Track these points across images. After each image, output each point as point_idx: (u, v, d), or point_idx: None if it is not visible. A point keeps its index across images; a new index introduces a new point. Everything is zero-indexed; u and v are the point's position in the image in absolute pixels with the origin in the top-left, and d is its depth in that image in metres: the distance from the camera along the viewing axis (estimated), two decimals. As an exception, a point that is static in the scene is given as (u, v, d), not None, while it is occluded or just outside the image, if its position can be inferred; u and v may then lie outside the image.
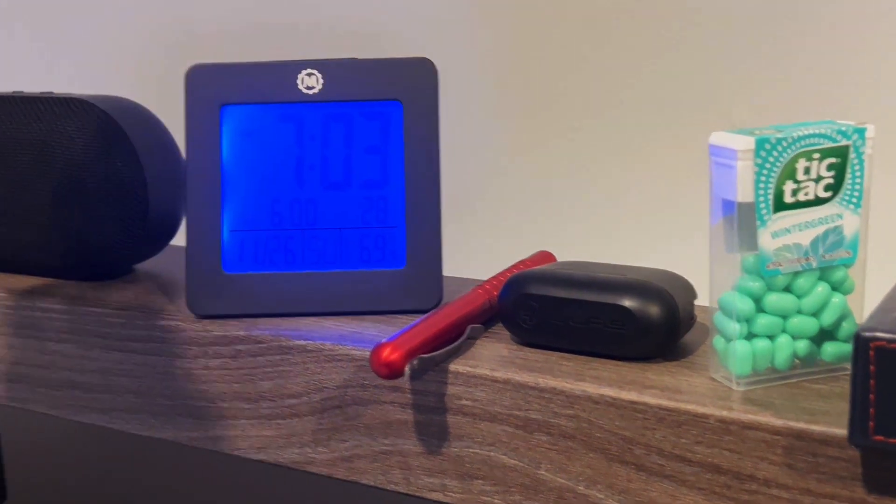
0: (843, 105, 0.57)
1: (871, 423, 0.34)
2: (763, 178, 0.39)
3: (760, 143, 0.38)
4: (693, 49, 0.62)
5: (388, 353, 0.42)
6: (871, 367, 0.34)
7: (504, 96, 0.68)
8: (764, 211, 0.39)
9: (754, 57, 0.60)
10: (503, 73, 0.68)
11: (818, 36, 0.59)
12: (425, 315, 0.46)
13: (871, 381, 0.34)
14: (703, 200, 0.61)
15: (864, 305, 0.42)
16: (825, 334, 0.41)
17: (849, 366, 0.41)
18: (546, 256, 0.55)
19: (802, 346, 0.41)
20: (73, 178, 0.57)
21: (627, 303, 0.43)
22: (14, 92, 0.60)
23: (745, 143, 0.38)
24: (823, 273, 0.41)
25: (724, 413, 0.39)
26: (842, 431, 0.37)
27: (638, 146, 0.63)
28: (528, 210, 0.67)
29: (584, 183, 0.65)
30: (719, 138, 0.39)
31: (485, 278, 0.53)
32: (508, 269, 0.52)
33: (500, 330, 0.48)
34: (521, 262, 0.54)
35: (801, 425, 0.37)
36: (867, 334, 0.34)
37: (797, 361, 0.41)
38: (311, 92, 0.52)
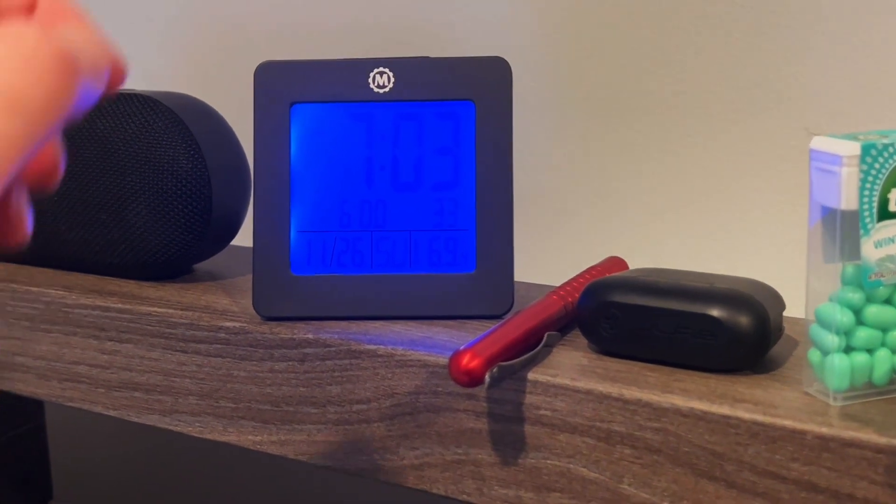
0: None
1: None
2: (868, 186, 0.37)
3: (866, 149, 0.37)
4: (768, 50, 0.60)
5: (467, 361, 0.41)
6: None
7: (576, 97, 0.66)
8: (868, 219, 0.37)
9: (832, 58, 0.59)
10: (575, 74, 0.67)
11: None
12: (501, 321, 0.45)
13: None
14: (784, 205, 0.59)
15: (966, 319, 0.40)
16: (925, 349, 0.40)
17: (950, 382, 0.40)
18: (618, 263, 0.53)
19: (902, 360, 0.39)
20: (136, 175, 0.56)
21: (717, 312, 0.42)
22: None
23: (851, 148, 0.37)
24: (925, 285, 0.39)
25: (824, 430, 0.37)
26: (952, 451, 0.35)
27: (713, 149, 0.61)
28: (596, 214, 0.65)
29: (655, 186, 0.64)
30: (822, 143, 0.38)
31: (548, 283, 0.52)
32: (581, 275, 0.51)
33: (576, 338, 0.47)
34: (593, 267, 0.52)
35: (907, 444, 0.36)
36: None
37: (895, 376, 0.40)
38: (382, 91, 0.50)
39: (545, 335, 0.45)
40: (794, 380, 0.42)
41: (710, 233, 0.61)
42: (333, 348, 0.48)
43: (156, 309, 0.53)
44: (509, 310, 0.50)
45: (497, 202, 0.50)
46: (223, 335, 0.51)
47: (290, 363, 0.49)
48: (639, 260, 0.54)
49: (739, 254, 0.60)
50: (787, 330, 0.45)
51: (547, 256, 0.66)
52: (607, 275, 0.48)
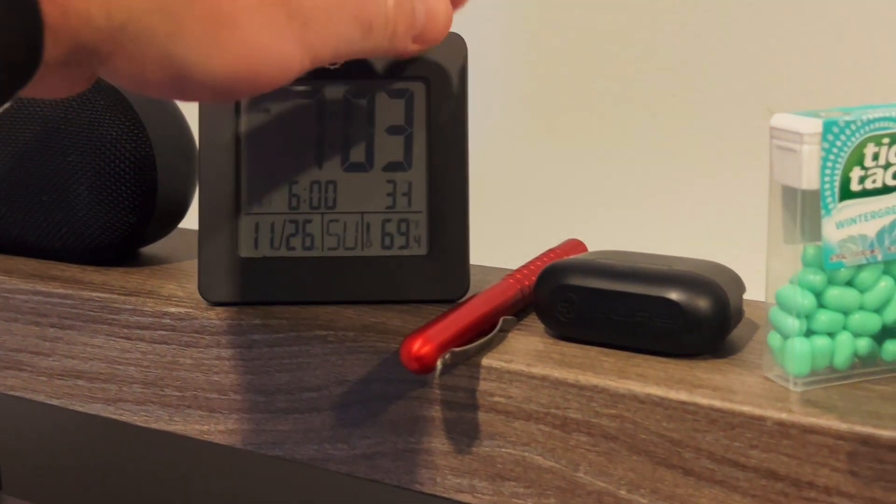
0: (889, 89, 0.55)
1: (952, 430, 0.32)
2: (830, 164, 0.36)
3: (828, 127, 0.36)
4: (730, 28, 0.59)
5: (419, 347, 0.40)
6: (954, 370, 0.31)
7: (535, 77, 0.65)
8: (829, 199, 0.36)
9: (793, 36, 0.58)
10: (535, 53, 0.65)
11: (861, 15, 0.56)
12: (454, 306, 0.44)
13: (954, 385, 0.31)
14: (744, 186, 0.58)
15: (929, 302, 0.39)
16: (887, 332, 0.39)
17: (912, 366, 0.39)
18: (577, 245, 0.52)
19: (864, 344, 0.38)
20: (77, 156, 0.54)
21: (675, 296, 0.40)
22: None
23: (812, 125, 0.36)
24: (888, 267, 0.38)
25: (784, 416, 0.36)
26: (914, 437, 0.34)
27: (671, 130, 0.60)
28: (555, 197, 0.64)
29: (615, 168, 0.62)
30: (782, 120, 0.37)
31: (506, 266, 0.51)
32: (539, 258, 0.49)
33: (532, 322, 0.46)
34: (551, 250, 0.51)
35: (868, 430, 0.35)
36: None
37: (857, 361, 0.39)
38: (332, 67, 0.49)
39: (500, 320, 0.44)
40: (754, 364, 0.41)
41: (670, 214, 0.60)
42: (282, 335, 0.46)
43: (99, 294, 0.51)
44: (464, 294, 0.48)
45: (452, 184, 0.49)
46: (168, 321, 0.49)
47: (238, 350, 0.47)
48: (598, 243, 0.52)
49: (699, 236, 0.59)
50: (748, 313, 0.44)
51: (505, 239, 0.65)
52: (565, 258, 0.46)
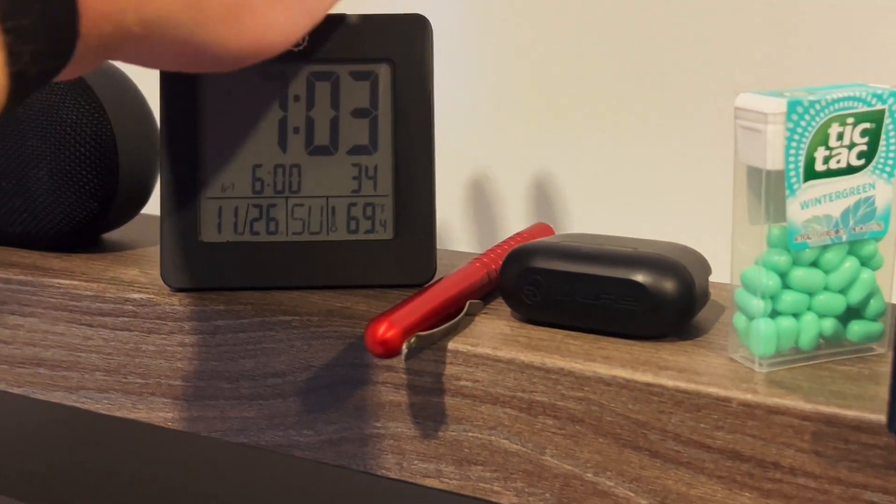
0: (857, 69, 0.55)
1: (915, 409, 0.32)
2: (794, 144, 0.36)
3: (792, 106, 0.36)
4: (696, 9, 0.59)
5: (383, 331, 0.39)
6: (917, 349, 0.31)
7: (501, 59, 0.64)
8: (794, 179, 0.36)
9: (760, 17, 0.57)
10: (501, 35, 0.65)
11: None
12: (421, 290, 0.43)
13: (917, 364, 0.31)
14: (711, 168, 0.58)
15: (893, 282, 0.39)
16: (851, 312, 0.39)
17: (876, 346, 0.39)
18: (544, 229, 0.52)
19: (829, 324, 0.38)
20: (37, 140, 0.53)
21: (641, 277, 0.40)
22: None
23: (777, 105, 0.36)
24: (852, 247, 0.38)
25: (749, 396, 0.36)
26: (877, 417, 0.34)
27: (639, 112, 0.60)
28: (523, 181, 0.64)
29: (581, 151, 0.62)
30: (747, 100, 0.37)
31: (476, 251, 0.50)
32: (506, 242, 0.49)
33: (500, 306, 0.45)
34: (519, 234, 0.51)
35: (833, 410, 0.35)
36: (913, 313, 0.31)
37: (822, 341, 0.39)
38: (296, 50, 0.48)
39: (467, 303, 0.44)
40: (720, 346, 0.41)
41: (637, 197, 0.60)
42: (246, 320, 0.46)
43: (60, 281, 0.50)
44: (431, 278, 0.48)
45: (418, 167, 0.48)
46: (130, 307, 0.48)
47: (202, 336, 0.47)
48: (566, 226, 0.52)
49: (666, 218, 0.59)
50: (714, 295, 0.44)
51: (473, 224, 0.65)
52: (531, 241, 0.46)
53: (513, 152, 0.64)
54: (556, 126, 0.63)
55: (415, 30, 0.48)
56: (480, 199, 0.65)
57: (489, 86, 0.65)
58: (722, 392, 0.37)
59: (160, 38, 0.31)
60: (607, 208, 0.61)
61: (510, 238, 0.50)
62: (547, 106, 0.63)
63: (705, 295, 0.43)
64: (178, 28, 0.32)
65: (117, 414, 0.50)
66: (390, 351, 0.39)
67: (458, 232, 0.64)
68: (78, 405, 0.51)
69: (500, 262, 0.45)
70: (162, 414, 0.48)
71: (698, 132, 0.58)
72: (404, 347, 0.39)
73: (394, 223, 0.48)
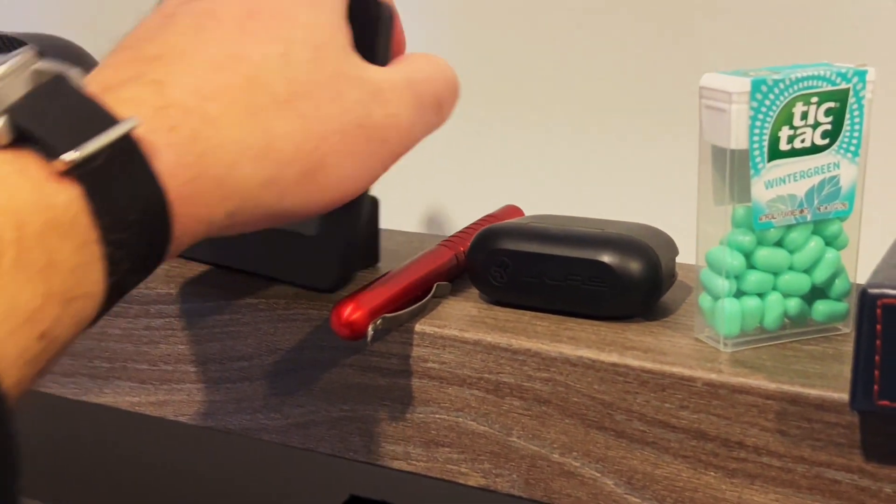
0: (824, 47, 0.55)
1: (876, 387, 0.32)
2: (758, 124, 0.36)
3: (756, 86, 0.36)
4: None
5: (349, 312, 0.39)
6: (878, 327, 0.31)
7: (465, 40, 0.64)
8: (758, 159, 0.36)
9: None
10: (465, 20, 0.64)
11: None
12: (388, 272, 0.43)
13: (878, 342, 0.31)
14: (679, 149, 0.58)
15: (857, 261, 0.39)
16: (816, 292, 0.39)
17: (841, 326, 0.39)
18: (513, 211, 0.52)
19: (793, 304, 0.38)
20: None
21: (607, 258, 0.40)
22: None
23: (740, 84, 0.35)
24: (817, 227, 0.38)
25: (713, 376, 0.36)
26: (840, 396, 0.34)
27: (606, 94, 0.60)
28: (492, 163, 0.63)
29: (548, 132, 0.62)
30: (711, 80, 0.36)
31: (447, 234, 0.50)
32: (475, 224, 0.49)
33: (467, 288, 0.45)
34: (488, 216, 0.50)
35: (796, 389, 0.35)
36: (875, 291, 0.31)
37: (787, 321, 0.39)
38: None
39: (434, 286, 0.43)
40: (686, 326, 0.41)
41: (604, 178, 0.60)
42: (212, 303, 0.45)
43: (25, 265, 0.50)
44: (336, 287, 0.44)
45: None
46: (96, 291, 0.48)
47: (168, 319, 0.46)
48: (534, 208, 0.52)
49: (633, 199, 0.59)
50: (681, 276, 0.44)
51: (442, 208, 0.64)
52: (498, 222, 0.46)
53: (481, 135, 0.64)
54: (522, 109, 0.63)
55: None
56: (448, 182, 0.65)
57: (456, 69, 0.65)
58: (686, 372, 0.37)
59: (244, 219, 0.32)
60: (576, 190, 0.61)
61: (479, 220, 0.50)
62: (514, 89, 0.63)
63: (672, 276, 0.43)
64: (261, 207, 0.32)
65: (84, 398, 0.49)
66: (356, 333, 0.39)
67: (424, 215, 0.64)
68: (43, 389, 0.50)
69: (468, 244, 0.45)
70: (129, 398, 0.48)
71: (665, 114, 0.58)
72: (370, 329, 0.39)
73: (319, 220, 0.43)
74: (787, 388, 0.35)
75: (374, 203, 0.49)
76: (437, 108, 0.37)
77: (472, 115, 0.65)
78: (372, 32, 0.37)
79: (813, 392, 0.35)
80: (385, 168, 0.36)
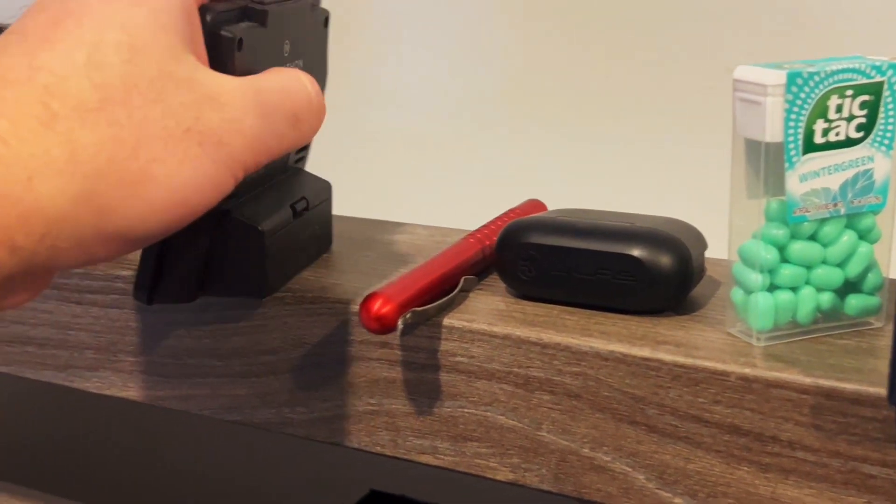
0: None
1: (915, 381, 0.31)
2: (794, 116, 0.36)
3: (792, 78, 0.35)
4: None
5: (379, 306, 0.39)
6: (918, 321, 0.31)
7: (493, 40, 0.64)
8: (793, 152, 0.36)
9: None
10: (495, 16, 0.64)
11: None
12: (415, 266, 0.43)
13: (918, 336, 0.31)
14: (704, 144, 0.58)
15: (890, 256, 0.39)
16: (849, 286, 0.39)
17: (873, 320, 0.39)
18: (537, 205, 0.51)
19: (826, 298, 0.38)
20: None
21: (638, 252, 0.40)
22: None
23: (776, 77, 0.35)
24: (850, 220, 0.38)
25: (747, 370, 0.36)
26: (877, 390, 0.34)
27: (633, 89, 0.60)
28: (513, 157, 0.63)
29: (574, 128, 0.62)
30: (746, 72, 0.36)
31: (467, 228, 0.50)
32: (499, 218, 0.49)
33: (494, 282, 0.45)
34: (511, 210, 0.50)
35: (832, 383, 0.35)
36: (915, 285, 0.31)
37: (819, 315, 0.39)
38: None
39: (461, 279, 0.43)
40: (717, 321, 0.40)
41: (630, 173, 0.60)
42: (238, 297, 0.45)
43: (48, 258, 0.50)
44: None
45: None
46: (120, 285, 0.48)
47: (193, 313, 0.46)
48: (558, 203, 0.52)
49: (660, 195, 0.59)
50: (708, 271, 0.44)
51: (463, 202, 0.64)
52: (526, 216, 0.46)
53: (503, 131, 0.64)
54: (546, 103, 0.63)
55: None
56: (470, 177, 0.65)
57: (482, 67, 0.65)
58: (720, 366, 0.36)
59: (68, 243, 0.30)
60: (601, 185, 0.61)
61: (503, 214, 0.49)
62: (539, 85, 0.63)
63: (701, 269, 0.42)
64: (81, 226, 0.30)
65: (107, 392, 0.49)
66: (386, 327, 0.39)
67: (445, 208, 0.64)
68: (67, 384, 0.50)
69: (494, 238, 0.45)
70: (153, 392, 0.48)
71: (691, 109, 0.58)
72: (400, 323, 0.39)
73: None
74: (822, 382, 0.35)
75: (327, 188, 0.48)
76: (292, 121, 0.35)
77: (488, 114, 0.65)
78: (218, 51, 0.36)
79: (849, 386, 0.34)
80: (232, 175, 0.33)
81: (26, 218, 0.29)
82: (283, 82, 0.36)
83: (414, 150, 0.66)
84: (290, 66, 0.42)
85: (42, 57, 0.30)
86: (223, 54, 0.36)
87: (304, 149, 0.48)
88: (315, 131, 0.37)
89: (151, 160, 0.31)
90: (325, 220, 0.49)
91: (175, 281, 0.42)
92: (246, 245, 0.42)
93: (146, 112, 0.31)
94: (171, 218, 0.32)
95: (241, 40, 0.38)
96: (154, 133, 0.31)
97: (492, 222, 0.48)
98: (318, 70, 0.45)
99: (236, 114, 0.33)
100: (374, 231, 0.52)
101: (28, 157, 0.29)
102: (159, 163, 0.31)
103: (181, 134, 0.32)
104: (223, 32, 0.37)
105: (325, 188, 0.48)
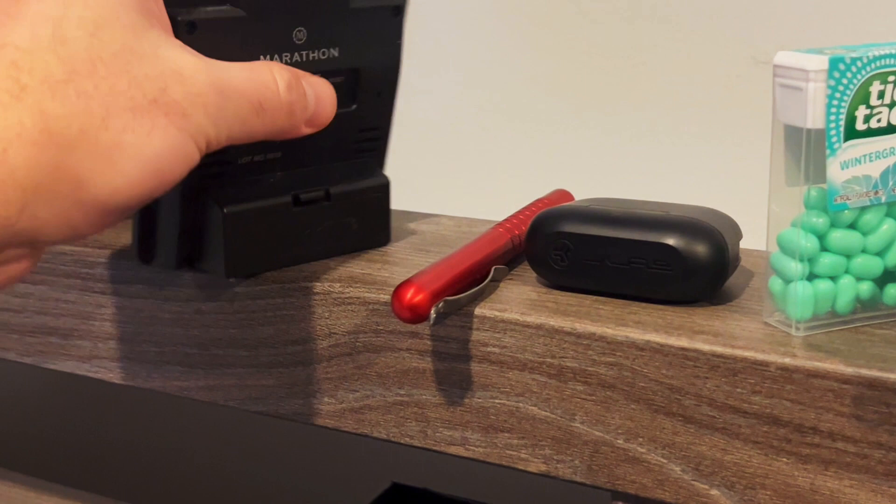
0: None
1: (963, 371, 0.31)
2: (835, 103, 0.35)
3: (834, 63, 0.35)
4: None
5: (411, 295, 0.38)
6: (967, 309, 0.30)
7: (520, 30, 0.63)
8: (834, 139, 0.35)
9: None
10: (525, 8, 0.64)
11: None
12: (445, 255, 0.42)
13: (967, 324, 0.31)
14: (735, 134, 0.57)
15: (930, 245, 0.38)
16: (888, 275, 0.38)
17: (913, 310, 0.38)
18: (565, 195, 0.51)
19: (866, 288, 0.38)
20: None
21: (673, 241, 0.39)
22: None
23: (818, 62, 0.35)
24: (890, 208, 0.37)
25: (787, 360, 0.35)
26: (921, 380, 0.33)
27: (662, 79, 0.59)
28: (541, 147, 0.63)
29: (603, 117, 0.61)
30: (786, 58, 0.36)
31: (491, 218, 0.50)
32: (528, 208, 0.48)
33: (524, 272, 0.45)
34: (540, 200, 0.50)
35: (874, 373, 0.34)
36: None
37: (858, 305, 0.38)
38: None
39: (492, 269, 0.43)
40: (753, 310, 0.40)
41: (655, 164, 0.60)
42: (266, 286, 0.45)
43: (71, 248, 0.49)
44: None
45: None
46: (145, 274, 0.47)
47: (219, 303, 0.46)
48: (586, 193, 0.51)
49: (684, 186, 0.58)
50: (742, 261, 0.44)
51: (490, 191, 0.64)
52: (557, 205, 0.45)
53: (529, 118, 0.64)
54: (575, 93, 0.62)
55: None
56: (497, 166, 0.65)
57: (506, 55, 0.64)
58: (759, 356, 0.36)
59: (48, 214, 0.31)
60: (631, 175, 0.60)
61: (531, 204, 0.49)
62: (568, 74, 0.62)
63: (737, 259, 0.42)
64: (61, 197, 0.31)
65: (132, 383, 0.49)
66: (418, 316, 0.39)
67: (470, 199, 0.63)
68: (90, 374, 0.50)
69: (523, 228, 0.45)
70: (178, 383, 0.48)
71: (721, 98, 0.57)
72: (432, 312, 0.39)
73: None
74: (864, 372, 0.34)
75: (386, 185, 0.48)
76: (256, 107, 0.36)
77: (516, 105, 0.65)
78: (175, 32, 0.37)
79: (892, 376, 0.34)
80: (198, 146, 0.34)
81: (2, 189, 0.30)
82: (252, 72, 0.36)
83: (439, 142, 0.66)
84: (305, 54, 0.43)
85: (7, 34, 0.31)
86: (179, 36, 0.37)
87: (369, 140, 0.47)
88: (287, 126, 0.38)
89: (122, 130, 0.32)
90: (368, 214, 0.48)
91: (162, 247, 0.45)
92: (213, 224, 0.44)
93: (112, 83, 0.32)
94: (146, 187, 0.33)
95: (192, 23, 0.38)
96: (122, 104, 0.32)
97: (520, 212, 0.48)
98: (369, 61, 0.45)
99: (199, 88, 0.34)
100: (400, 221, 0.52)
101: (1, 129, 0.30)
102: (129, 132, 0.32)
103: (148, 105, 0.32)
104: (178, 16, 0.38)
105: (376, 185, 0.48)
